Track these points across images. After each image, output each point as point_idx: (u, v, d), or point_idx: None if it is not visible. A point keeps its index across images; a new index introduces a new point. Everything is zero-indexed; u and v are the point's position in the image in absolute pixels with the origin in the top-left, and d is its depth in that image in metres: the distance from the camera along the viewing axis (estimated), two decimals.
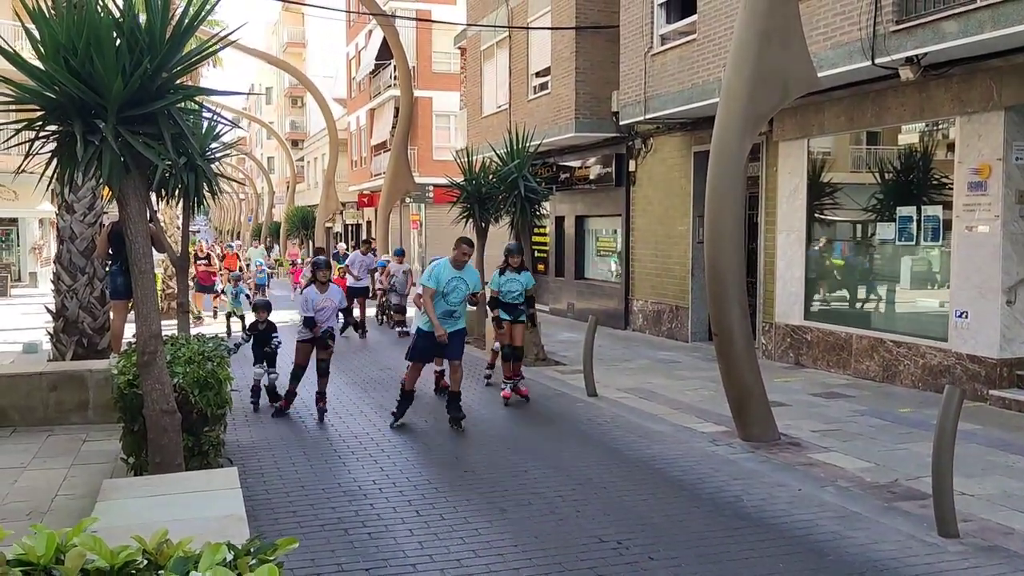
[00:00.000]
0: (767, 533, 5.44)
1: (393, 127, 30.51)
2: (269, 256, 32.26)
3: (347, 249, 28.04)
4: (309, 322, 8.88)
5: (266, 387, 9.53)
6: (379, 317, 17.94)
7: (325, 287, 9.12)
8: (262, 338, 9.54)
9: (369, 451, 7.56)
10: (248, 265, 23.77)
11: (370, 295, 17.47)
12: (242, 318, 15.38)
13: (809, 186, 11.96)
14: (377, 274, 17.53)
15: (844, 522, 5.63)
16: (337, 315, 9.41)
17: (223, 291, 17.37)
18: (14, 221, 30.16)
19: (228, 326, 15.94)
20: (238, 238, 56.75)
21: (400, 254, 17.33)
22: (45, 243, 31.20)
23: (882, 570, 4.84)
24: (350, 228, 45.85)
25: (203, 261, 18.77)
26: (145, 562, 2.22)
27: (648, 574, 4.78)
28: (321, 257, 10.55)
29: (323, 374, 9.02)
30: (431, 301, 8.35)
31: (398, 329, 16.15)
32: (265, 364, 9.53)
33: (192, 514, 3.72)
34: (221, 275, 19.68)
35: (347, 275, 16.91)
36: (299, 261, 28.93)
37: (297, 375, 9.10)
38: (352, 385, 10.88)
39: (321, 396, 9.00)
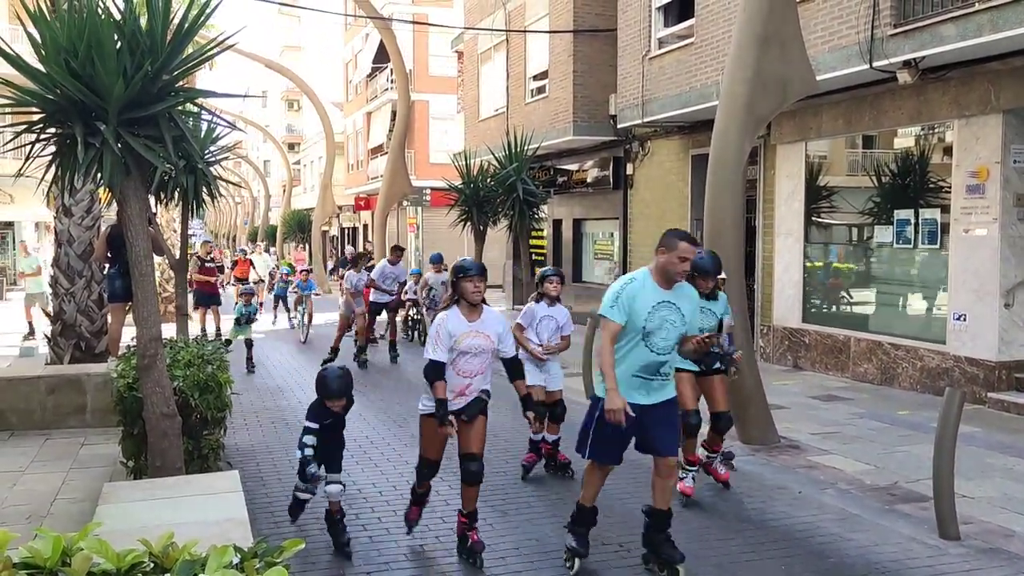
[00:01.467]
0: (767, 535, 5.44)
1: (390, 130, 30.53)
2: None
3: (356, 252, 27.25)
4: (435, 371, 5.00)
5: (327, 512, 5.36)
6: (409, 332, 15.73)
7: (475, 312, 5.10)
8: (331, 432, 5.39)
9: (369, 455, 7.54)
10: (273, 273, 21.14)
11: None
12: (249, 345, 12.70)
13: (807, 189, 11.98)
14: (410, 283, 14.79)
15: (844, 524, 5.63)
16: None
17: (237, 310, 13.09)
18: (9, 225, 30.14)
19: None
20: (234, 241, 56.50)
21: (437, 261, 14.26)
22: (41, 246, 31.15)
23: (883, 572, 4.84)
24: (347, 231, 45.84)
25: (209, 264, 15.93)
26: (151, 565, 2.21)
27: None
28: (468, 259, 5.29)
29: (473, 478, 5.14)
30: (611, 343, 4.70)
31: None
32: (322, 466, 5.34)
33: (194, 517, 3.71)
34: (227, 285, 17.41)
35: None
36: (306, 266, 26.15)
37: (426, 472, 5.31)
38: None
39: (470, 517, 5.21)
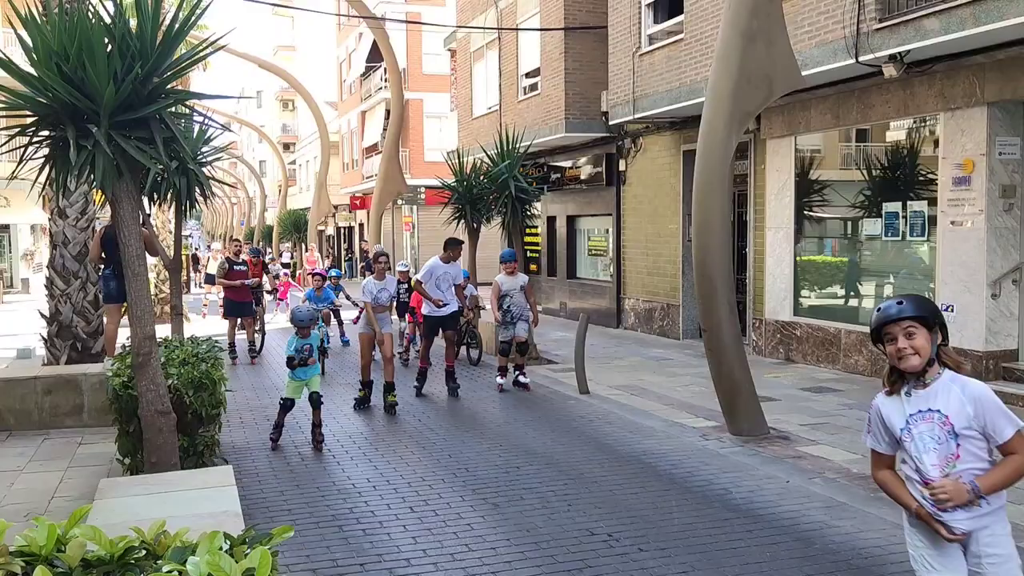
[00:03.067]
0: (755, 524, 5.53)
1: (384, 129, 30.58)
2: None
3: (377, 250, 26.05)
4: None
5: None
6: (468, 353, 12.71)
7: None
8: None
9: (363, 450, 7.63)
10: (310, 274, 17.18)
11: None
12: (317, 403, 7.75)
13: (797, 183, 12.08)
14: (471, 292, 12.08)
15: (830, 512, 5.72)
16: None
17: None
18: (6, 228, 30.17)
19: (279, 422, 7.86)
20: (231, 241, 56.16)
21: (510, 259, 10.59)
22: (37, 249, 31.17)
23: (867, 558, 4.93)
24: (343, 231, 45.87)
25: (240, 266, 13.32)
26: (144, 551, 2.29)
27: (638, 565, 4.86)
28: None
29: None
30: None
31: (518, 376, 10.50)
32: None
33: (188, 510, 3.78)
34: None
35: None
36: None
37: None
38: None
39: None
